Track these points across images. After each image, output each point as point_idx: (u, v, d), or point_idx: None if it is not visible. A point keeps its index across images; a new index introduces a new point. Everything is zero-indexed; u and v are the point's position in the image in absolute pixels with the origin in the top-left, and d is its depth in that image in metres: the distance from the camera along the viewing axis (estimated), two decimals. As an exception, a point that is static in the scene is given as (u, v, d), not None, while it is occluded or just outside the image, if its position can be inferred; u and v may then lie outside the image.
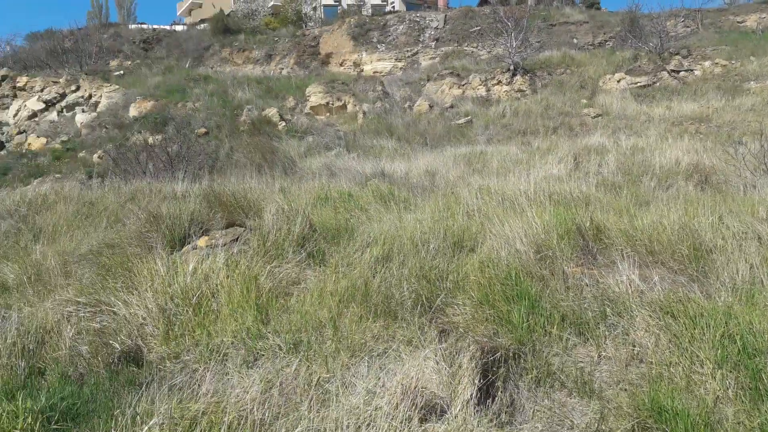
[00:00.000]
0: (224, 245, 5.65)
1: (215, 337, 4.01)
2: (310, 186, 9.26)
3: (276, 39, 37.37)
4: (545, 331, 3.86)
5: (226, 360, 3.76)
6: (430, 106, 23.54)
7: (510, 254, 4.93)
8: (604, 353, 3.70)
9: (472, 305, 4.13)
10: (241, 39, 37.45)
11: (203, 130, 20.20)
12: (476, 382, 3.09)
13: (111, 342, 4.02)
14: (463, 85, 25.37)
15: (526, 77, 24.49)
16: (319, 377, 3.44)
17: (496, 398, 3.18)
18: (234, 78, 26.10)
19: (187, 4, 56.44)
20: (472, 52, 32.73)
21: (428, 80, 27.12)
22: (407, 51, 35.09)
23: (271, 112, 22.12)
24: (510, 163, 11.99)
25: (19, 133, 23.36)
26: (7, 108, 25.46)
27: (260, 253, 5.33)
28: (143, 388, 3.32)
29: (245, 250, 5.50)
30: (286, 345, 3.83)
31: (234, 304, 4.38)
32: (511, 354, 3.56)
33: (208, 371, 3.38)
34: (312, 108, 23.81)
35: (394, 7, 44.74)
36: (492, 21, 28.22)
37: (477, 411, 3.00)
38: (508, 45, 24.99)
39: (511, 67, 24.60)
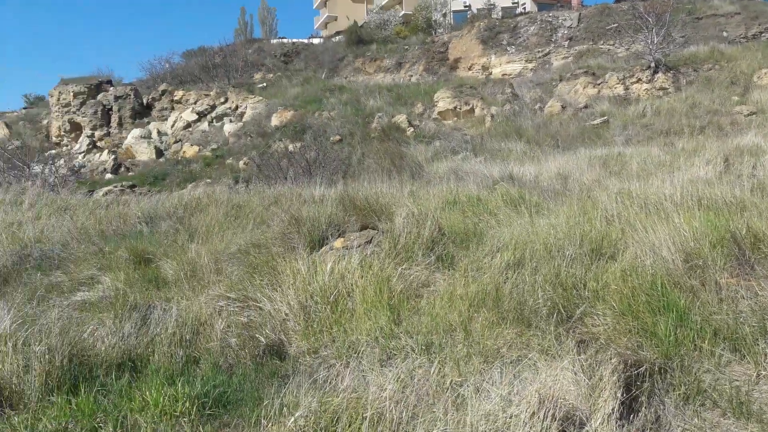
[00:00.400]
0: (358, 247, 5.86)
1: (351, 335, 4.15)
2: (438, 190, 9.31)
3: (406, 47, 38.06)
4: (695, 345, 3.58)
5: (361, 357, 3.88)
6: (563, 107, 22.73)
7: (655, 263, 4.63)
8: (764, 372, 3.36)
9: (613, 316, 3.93)
10: (373, 49, 38.59)
11: (338, 137, 21.06)
12: (618, 396, 2.94)
13: (257, 335, 4.30)
14: (599, 84, 24.21)
15: (669, 74, 22.86)
16: (452, 380, 3.44)
17: (640, 414, 3.00)
18: (366, 87, 26.96)
19: (324, 18, 59.22)
20: (609, 50, 31.15)
21: (560, 80, 26.21)
22: (538, 52, 34.15)
23: (400, 118, 22.54)
24: (651, 166, 11.24)
25: (176, 142, 25.81)
26: (166, 119, 28.24)
27: (391, 255, 5.45)
28: (286, 380, 3.53)
29: (377, 251, 5.65)
30: (418, 346, 3.88)
31: (368, 304, 4.51)
32: (656, 368, 3.35)
33: (346, 368, 3.52)
34: (440, 113, 23.95)
35: (525, 8, 43.79)
36: (631, 17, 26.61)
37: (619, 426, 2.85)
38: (649, 41, 23.48)
39: (652, 64, 23.08)
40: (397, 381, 3.29)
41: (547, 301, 4.18)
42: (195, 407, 3.23)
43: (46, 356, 3.48)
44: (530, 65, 33.65)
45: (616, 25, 31.83)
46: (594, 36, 33.09)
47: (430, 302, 4.53)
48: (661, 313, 3.79)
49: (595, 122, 20.07)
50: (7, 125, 32.02)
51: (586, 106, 22.40)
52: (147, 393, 3.26)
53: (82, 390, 3.33)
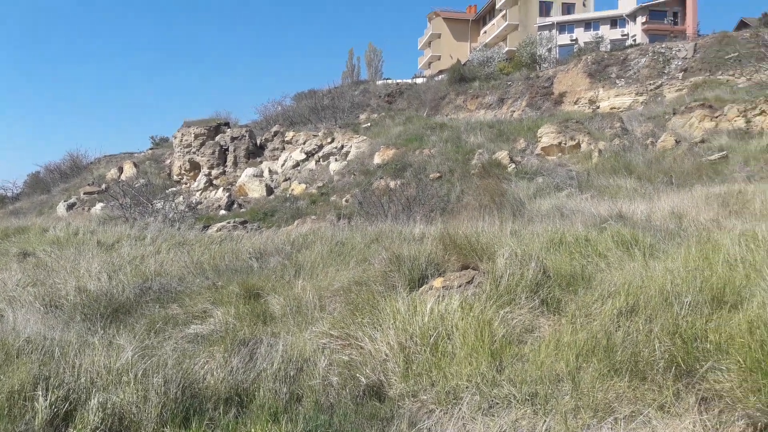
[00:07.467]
0: (459, 287, 5.77)
1: (451, 380, 4.07)
2: (542, 229, 9.02)
3: (509, 83, 37.91)
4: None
5: (460, 403, 3.79)
6: (677, 142, 21.52)
7: (788, 314, 4.18)
8: None
9: (739, 371, 3.58)
10: (475, 86, 38.77)
11: (437, 174, 21.16)
12: (749, 464, 2.65)
13: (357, 375, 4.32)
14: (716, 117, 22.75)
15: (800, 104, 21.05)
16: (558, 434, 3.28)
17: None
18: (467, 124, 27.02)
19: (427, 58, 60.49)
20: (727, 80, 29.29)
21: (674, 114, 24.93)
22: (650, 84, 32.78)
23: (501, 154, 22.30)
24: (780, 205, 10.29)
25: (285, 180, 27.05)
26: (277, 159, 29.75)
27: (493, 297, 5.31)
28: (386, 424, 3.50)
29: (478, 293, 5.54)
30: (522, 396, 3.73)
31: (469, 348, 4.41)
32: (793, 435, 3.00)
33: (446, 414, 3.45)
34: (543, 149, 23.46)
35: (635, 40, 42.40)
36: (753, 45, 24.96)
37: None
38: (775, 69, 21.83)
39: (780, 94, 21.39)
40: (499, 432, 3.17)
41: (665, 353, 3.89)
42: (312, 447, 3.26)
43: (162, 388, 3.68)
44: (641, 98, 32.34)
45: (736, 54, 29.93)
46: (711, 66, 31.28)
47: (534, 349, 4.36)
48: (798, 372, 3.40)
49: (713, 157, 18.79)
50: (135, 165, 35.11)
51: (702, 141, 21.08)
52: (252, 430, 3.35)
53: (194, 424, 3.47)
